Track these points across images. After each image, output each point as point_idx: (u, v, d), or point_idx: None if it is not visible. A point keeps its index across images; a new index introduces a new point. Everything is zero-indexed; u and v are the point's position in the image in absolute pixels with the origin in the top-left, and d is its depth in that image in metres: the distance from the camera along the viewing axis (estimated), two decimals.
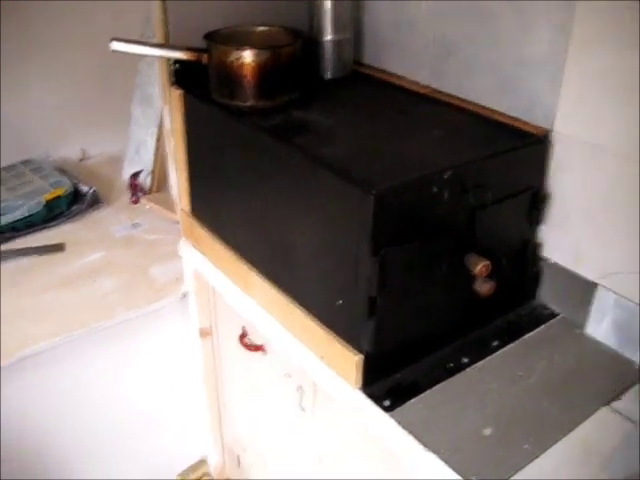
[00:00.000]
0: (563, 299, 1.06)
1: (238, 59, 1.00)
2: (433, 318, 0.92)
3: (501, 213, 0.93)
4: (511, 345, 1.00)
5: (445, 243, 0.85)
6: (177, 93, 1.13)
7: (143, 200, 1.68)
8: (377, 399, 0.89)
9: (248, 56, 1.00)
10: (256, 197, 1.01)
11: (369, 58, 1.27)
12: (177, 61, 1.11)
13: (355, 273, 0.83)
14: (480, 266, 0.84)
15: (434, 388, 0.91)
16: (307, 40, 1.12)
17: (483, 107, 1.06)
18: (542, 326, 1.04)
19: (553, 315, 1.07)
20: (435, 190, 0.81)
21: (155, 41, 1.12)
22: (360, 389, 0.91)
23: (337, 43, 1.17)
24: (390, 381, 0.91)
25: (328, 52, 1.17)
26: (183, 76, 1.13)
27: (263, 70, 1.01)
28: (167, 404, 1.56)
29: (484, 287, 0.88)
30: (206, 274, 1.26)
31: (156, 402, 1.54)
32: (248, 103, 1.03)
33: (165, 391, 1.55)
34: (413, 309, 0.88)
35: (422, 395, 0.90)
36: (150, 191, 1.72)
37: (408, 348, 0.92)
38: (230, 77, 1.02)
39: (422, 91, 1.15)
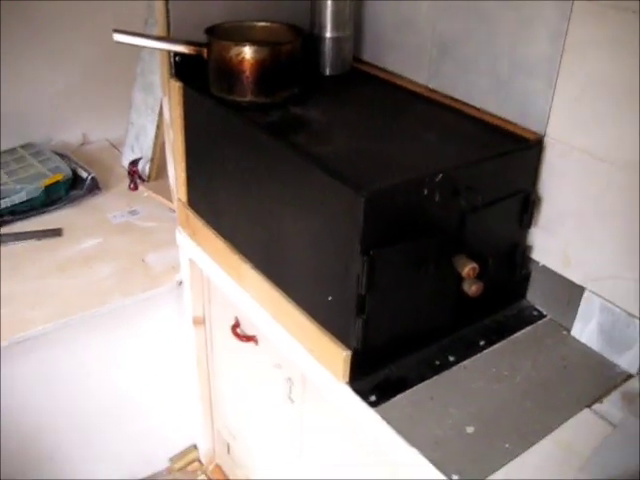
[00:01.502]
0: (551, 301, 1.08)
1: (238, 55, 1.01)
2: (421, 316, 0.94)
3: (491, 216, 0.95)
4: (497, 345, 1.02)
5: (434, 244, 0.86)
6: (177, 85, 1.14)
7: (141, 187, 1.70)
8: (363, 394, 0.91)
9: (248, 52, 1.01)
10: (252, 191, 1.03)
11: (369, 56, 1.28)
12: (178, 54, 1.11)
13: (345, 271, 0.85)
14: (468, 268, 0.85)
15: (420, 385, 0.93)
16: (307, 37, 1.13)
17: (477, 109, 1.07)
18: (529, 327, 1.06)
19: (540, 316, 1.08)
20: (426, 192, 0.83)
21: (156, 33, 1.13)
22: (347, 384, 0.93)
23: (337, 40, 1.18)
24: (376, 377, 0.93)
25: (328, 49, 1.17)
26: (183, 69, 1.14)
27: (262, 66, 1.02)
28: (160, 390, 1.59)
29: (472, 288, 0.90)
30: (201, 264, 1.28)
31: (149, 388, 1.57)
32: (247, 98, 1.04)
33: (158, 378, 1.57)
34: (401, 307, 0.90)
35: (408, 391, 0.92)
36: (149, 179, 1.74)
37: (395, 345, 0.94)
38: (229, 72, 1.03)
39: (419, 91, 1.16)
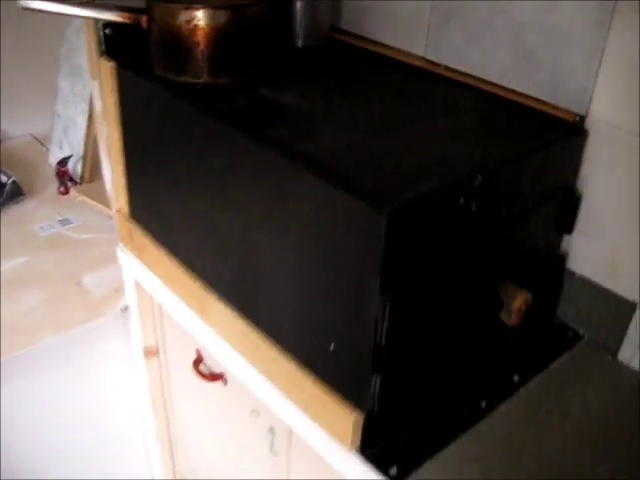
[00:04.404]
0: (590, 319, 0.88)
1: (189, 22, 0.76)
2: (451, 361, 0.73)
3: (531, 224, 0.74)
4: (535, 380, 0.82)
5: (476, 270, 0.64)
6: (108, 66, 0.88)
7: (73, 191, 1.42)
8: (381, 465, 0.69)
9: (202, 17, 0.76)
10: (215, 203, 0.78)
11: (347, 23, 1.04)
12: (108, 25, 0.86)
13: (354, 313, 0.62)
14: (520, 301, 0.64)
15: (451, 446, 0.72)
16: None
17: (493, 84, 0.86)
18: (567, 353, 0.86)
19: (576, 338, 0.89)
20: (462, 201, 0.61)
21: None
22: (358, 451, 0.71)
23: (312, 3, 0.94)
24: (395, 441, 0.71)
25: (301, 14, 0.94)
26: (116, 44, 0.89)
27: (222, 36, 0.78)
28: (113, 430, 1.34)
29: (513, 319, 0.69)
30: (150, 289, 1.03)
31: (101, 428, 1.31)
32: (202, 79, 0.79)
33: (110, 416, 1.32)
34: (430, 356, 0.68)
35: (437, 457, 0.71)
36: (82, 180, 1.46)
37: (419, 399, 0.72)
38: (178, 45, 0.78)
39: (416, 64, 0.94)
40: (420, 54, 0.95)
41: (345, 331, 0.65)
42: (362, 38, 1.02)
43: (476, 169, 0.62)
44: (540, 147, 0.69)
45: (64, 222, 1.37)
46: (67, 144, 1.50)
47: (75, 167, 1.45)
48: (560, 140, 0.72)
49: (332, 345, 0.68)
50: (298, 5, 0.92)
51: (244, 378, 0.88)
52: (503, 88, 0.85)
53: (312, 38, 0.96)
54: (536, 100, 0.82)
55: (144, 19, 0.80)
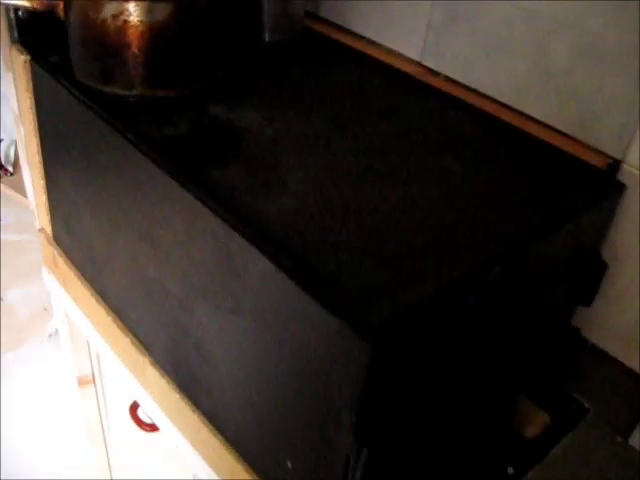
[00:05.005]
0: (599, 392, 0.74)
1: (116, 16, 0.57)
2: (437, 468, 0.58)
3: (545, 301, 0.58)
4: (534, 471, 0.68)
5: (484, 389, 0.49)
6: (21, 59, 0.69)
7: (2, 184, 1.23)
8: None
9: (134, 11, 0.58)
10: (145, 251, 0.61)
11: (327, 11, 0.86)
12: (17, 8, 0.66)
13: (320, 440, 0.46)
14: (537, 427, 0.49)
15: None
16: None
17: (505, 107, 0.69)
18: (570, 434, 0.72)
19: (582, 410, 0.75)
20: (472, 302, 0.45)
21: None
22: None
23: None
24: None
25: (269, 1, 0.75)
26: (33, 32, 0.69)
27: (161, 35, 0.59)
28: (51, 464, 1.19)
29: (530, 432, 0.54)
30: (79, 326, 0.87)
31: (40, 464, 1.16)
32: (135, 92, 0.61)
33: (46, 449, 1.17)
34: None
35: None
36: (14, 167, 1.27)
37: None
38: (103, 47, 0.59)
39: (409, 70, 0.76)
40: (415, 58, 0.77)
41: (306, 454, 0.49)
42: (344, 30, 0.84)
43: (492, 255, 0.46)
44: (570, 215, 0.53)
45: None
46: None
47: (7, 152, 1.25)
48: (594, 203, 0.56)
49: (289, 463, 0.52)
50: None
51: (184, 452, 0.72)
52: (517, 114, 0.68)
53: (283, 31, 0.78)
54: (559, 134, 0.66)
55: (59, 6, 0.61)
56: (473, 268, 0.44)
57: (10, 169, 1.26)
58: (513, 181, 0.58)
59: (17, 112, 0.77)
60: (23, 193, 1.19)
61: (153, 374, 0.68)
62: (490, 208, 0.53)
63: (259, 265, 0.46)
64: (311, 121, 0.64)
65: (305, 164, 0.56)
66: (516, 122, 0.67)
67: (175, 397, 0.66)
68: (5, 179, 1.24)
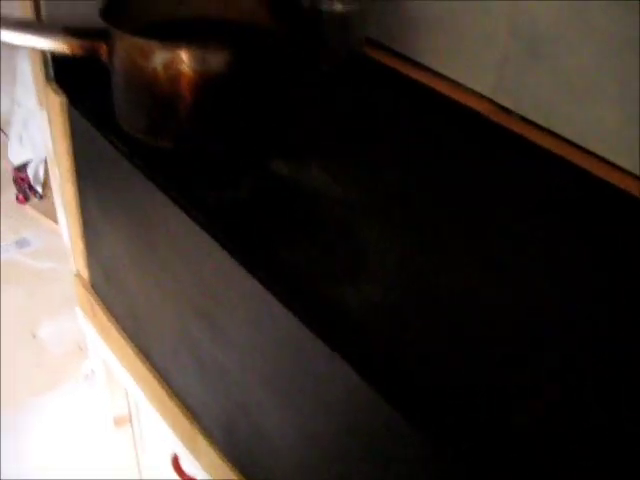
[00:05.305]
0: None
1: (168, 65, 0.51)
2: None
3: None
4: None
5: None
6: (57, 101, 0.63)
7: (29, 208, 1.18)
8: None
9: (187, 60, 0.51)
10: (201, 325, 0.55)
11: (388, 37, 0.78)
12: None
13: None
14: None
15: None
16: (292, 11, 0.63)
17: (602, 161, 0.61)
18: None
19: None
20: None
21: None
22: None
23: (344, 16, 0.68)
24: None
25: (332, 30, 0.68)
26: (69, 70, 0.63)
27: (216, 86, 0.53)
28: None
29: None
30: (119, 379, 0.81)
31: None
32: (186, 146, 0.55)
33: None
34: None
35: None
36: (43, 188, 1.22)
37: None
38: (153, 96, 0.53)
39: (478, 108, 0.69)
40: (486, 94, 0.70)
41: None
42: (403, 58, 0.77)
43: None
44: None
45: (22, 243, 1.13)
46: (28, 140, 1.24)
47: (36, 172, 1.20)
48: None
49: None
50: (326, 18, 0.66)
51: None
52: (619, 172, 0.60)
53: (340, 59, 0.71)
54: None
55: (103, 48, 0.55)
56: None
57: (39, 190, 1.21)
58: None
59: (52, 154, 0.71)
60: (53, 218, 1.14)
61: (203, 444, 0.63)
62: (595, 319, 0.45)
63: (340, 372, 0.40)
64: (381, 173, 0.57)
65: (385, 233, 0.50)
66: (619, 182, 0.58)
67: (228, 472, 0.60)
68: (34, 201, 1.20)
